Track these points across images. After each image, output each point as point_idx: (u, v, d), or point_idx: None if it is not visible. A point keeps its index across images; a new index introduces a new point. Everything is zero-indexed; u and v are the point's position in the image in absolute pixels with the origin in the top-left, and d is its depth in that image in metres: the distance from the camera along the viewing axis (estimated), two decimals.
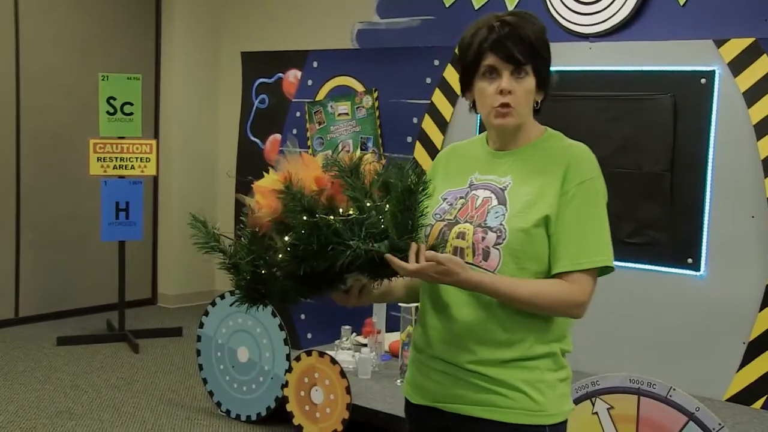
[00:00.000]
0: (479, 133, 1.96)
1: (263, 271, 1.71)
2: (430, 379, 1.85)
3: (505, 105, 1.78)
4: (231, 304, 4.14)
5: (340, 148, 1.78)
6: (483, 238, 1.76)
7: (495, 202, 1.80)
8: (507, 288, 1.73)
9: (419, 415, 1.91)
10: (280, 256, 1.67)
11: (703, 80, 3.91)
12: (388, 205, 1.65)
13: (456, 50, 1.86)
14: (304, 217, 1.63)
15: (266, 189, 1.70)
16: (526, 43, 1.76)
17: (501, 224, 1.75)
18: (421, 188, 1.68)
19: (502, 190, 1.81)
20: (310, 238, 1.62)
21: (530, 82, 1.79)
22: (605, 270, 1.79)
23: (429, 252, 1.67)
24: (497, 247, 1.75)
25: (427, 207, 1.73)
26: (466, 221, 1.80)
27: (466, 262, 1.75)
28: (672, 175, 3.99)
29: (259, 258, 1.70)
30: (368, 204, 1.65)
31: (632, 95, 4.09)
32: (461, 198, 1.85)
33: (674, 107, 3.97)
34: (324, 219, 1.62)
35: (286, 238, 1.65)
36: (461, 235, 1.79)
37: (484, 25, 1.79)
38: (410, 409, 1.94)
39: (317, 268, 1.64)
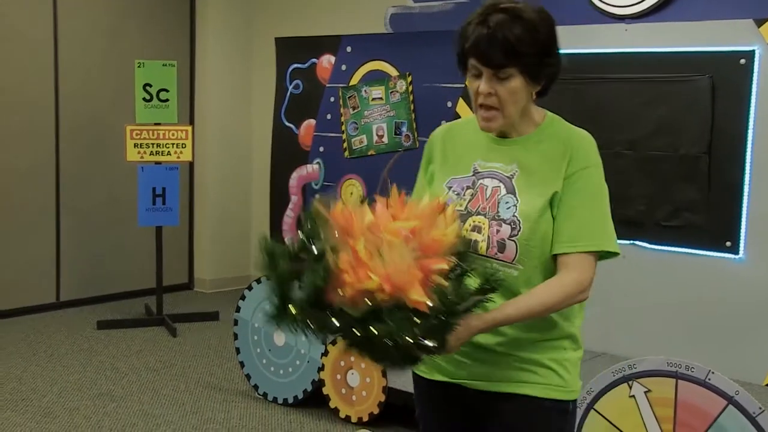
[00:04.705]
0: None
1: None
2: (449, 359, 1.83)
3: (488, 107, 1.75)
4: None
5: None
6: (498, 231, 1.75)
7: (504, 191, 1.78)
8: (518, 309, 1.71)
9: (434, 390, 1.90)
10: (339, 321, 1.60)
11: (742, 60, 3.85)
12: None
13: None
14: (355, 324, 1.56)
15: (350, 261, 1.58)
16: (506, 47, 1.69)
17: (514, 216, 1.75)
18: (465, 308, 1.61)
19: (509, 178, 1.79)
20: (352, 330, 1.57)
21: (515, 82, 1.73)
22: (607, 255, 1.79)
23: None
24: (513, 239, 1.74)
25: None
26: (479, 213, 1.78)
27: (480, 255, 1.75)
28: (710, 158, 3.94)
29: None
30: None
31: (669, 77, 4.04)
32: (468, 188, 1.82)
33: (712, 88, 3.92)
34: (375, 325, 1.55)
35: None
36: (477, 229, 1.78)
37: (474, 20, 1.75)
38: (422, 386, 1.93)
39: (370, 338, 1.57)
